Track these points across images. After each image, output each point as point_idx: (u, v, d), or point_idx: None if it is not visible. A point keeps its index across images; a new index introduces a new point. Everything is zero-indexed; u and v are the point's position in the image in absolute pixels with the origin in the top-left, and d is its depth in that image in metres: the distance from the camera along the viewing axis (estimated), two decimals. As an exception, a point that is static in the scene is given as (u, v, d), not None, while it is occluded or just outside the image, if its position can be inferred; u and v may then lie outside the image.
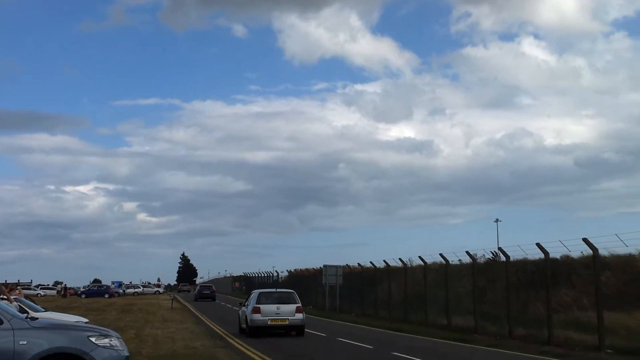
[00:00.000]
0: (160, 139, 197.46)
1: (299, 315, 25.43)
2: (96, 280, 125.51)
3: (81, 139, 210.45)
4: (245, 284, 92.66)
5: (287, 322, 25.24)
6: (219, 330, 28.36)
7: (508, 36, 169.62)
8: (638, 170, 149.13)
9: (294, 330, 25.54)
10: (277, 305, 25.43)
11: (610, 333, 19.82)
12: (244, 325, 26.19)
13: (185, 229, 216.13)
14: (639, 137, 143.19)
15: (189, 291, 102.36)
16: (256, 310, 25.00)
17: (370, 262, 41.46)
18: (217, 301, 65.57)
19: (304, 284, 58.99)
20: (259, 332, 24.79)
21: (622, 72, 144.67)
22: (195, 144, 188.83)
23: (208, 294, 70.55)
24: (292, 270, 66.99)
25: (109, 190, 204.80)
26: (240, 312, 27.68)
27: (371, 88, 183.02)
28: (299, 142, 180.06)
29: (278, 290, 29.90)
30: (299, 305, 26.06)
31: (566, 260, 29.29)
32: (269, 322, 24.96)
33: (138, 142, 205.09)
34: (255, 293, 26.83)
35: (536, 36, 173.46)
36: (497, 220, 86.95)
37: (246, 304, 26.89)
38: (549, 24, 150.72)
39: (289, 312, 25.28)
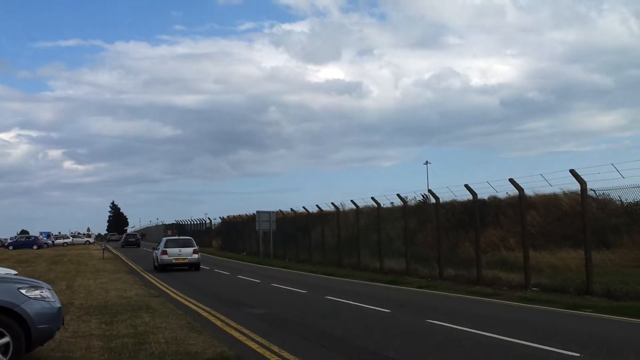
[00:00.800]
0: (83, 83, 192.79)
1: (195, 256, 33.43)
2: (23, 231, 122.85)
3: (1, 83, 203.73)
4: (178, 231, 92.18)
5: (186, 260, 33.09)
6: (137, 267, 36.25)
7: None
8: (562, 109, 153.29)
9: (192, 266, 33.21)
10: (179, 248, 33.48)
11: (535, 271, 20.53)
12: (156, 264, 33.86)
13: (114, 176, 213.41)
14: (563, 76, 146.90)
15: (117, 240, 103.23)
16: (164, 253, 33.09)
17: (303, 207, 41.77)
18: (142, 247, 73.30)
19: (238, 230, 59.07)
20: (166, 268, 32.63)
21: (545, 10, 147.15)
22: (120, 87, 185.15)
23: (133, 241, 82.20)
24: (225, 217, 66.90)
25: (32, 137, 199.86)
26: (153, 254, 35.49)
27: (299, 27, 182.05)
28: (227, 85, 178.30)
29: (180, 237, 39.76)
30: (196, 248, 34.01)
31: (493, 201, 30.13)
32: (173, 261, 32.85)
33: (60, 86, 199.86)
34: (163, 240, 34.95)
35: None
36: (426, 163, 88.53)
37: (157, 247, 34.76)
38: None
39: (187, 253, 33.25)
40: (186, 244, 34.08)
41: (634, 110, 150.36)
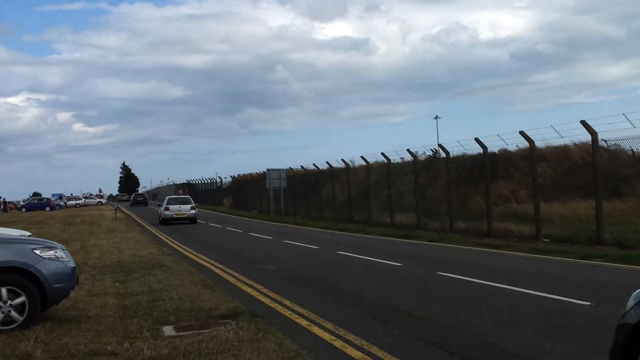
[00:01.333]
0: (89, 45, 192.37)
1: (192, 211, 39.47)
2: (36, 194, 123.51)
3: (7, 47, 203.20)
4: (189, 190, 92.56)
5: (185, 215, 38.96)
6: (145, 224, 40.68)
7: None
8: (572, 61, 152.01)
9: (190, 220, 38.96)
10: (179, 205, 39.67)
11: (546, 223, 20.54)
12: (160, 218, 39.68)
13: (124, 138, 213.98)
14: (573, 28, 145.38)
15: (128, 200, 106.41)
16: (167, 209, 39.16)
17: (314, 165, 41.80)
18: (149, 206, 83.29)
19: (248, 189, 59.23)
20: (168, 222, 38.41)
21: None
22: (127, 49, 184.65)
23: (141, 200, 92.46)
24: (236, 176, 67.04)
25: (41, 100, 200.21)
26: (158, 210, 42.94)
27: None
28: (234, 45, 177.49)
29: (180, 196, 46.86)
30: (193, 205, 40.18)
31: (504, 154, 29.96)
32: (174, 215, 38.83)
33: (67, 50, 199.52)
34: (166, 199, 41.64)
35: None
36: (436, 117, 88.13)
37: (161, 205, 41.55)
38: None
39: (186, 209, 39.28)
40: (185, 202, 40.47)
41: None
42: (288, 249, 21.48)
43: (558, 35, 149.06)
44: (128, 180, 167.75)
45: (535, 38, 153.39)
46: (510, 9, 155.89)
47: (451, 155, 26.41)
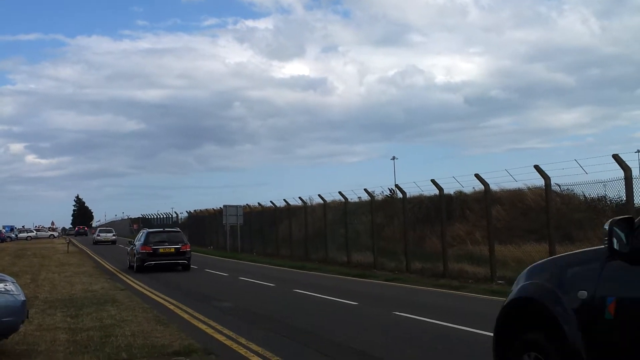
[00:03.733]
0: (45, 77, 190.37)
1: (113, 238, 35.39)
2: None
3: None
4: (144, 225, 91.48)
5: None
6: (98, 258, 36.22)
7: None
8: (525, 107, 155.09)
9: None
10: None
11: (501, 265, 20.75)
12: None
13: (78, 170, 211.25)
14: (525, 75, 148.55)
15: (74, 234, 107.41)
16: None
17: (271, 202, 41.72)
18: (88, 236, 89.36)
19: (204, 224, 58.81)
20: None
21: (507, 10, 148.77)
22: (83, 81, 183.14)
23: (82, 232, 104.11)
24: (192, 211, 66.54)
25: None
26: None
27: (263, 24, 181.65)
28: (191, 80, 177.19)
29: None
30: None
31: (460, 196, 30.39)
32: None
33: (22, 80, 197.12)
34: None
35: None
36: (393, 158, 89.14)
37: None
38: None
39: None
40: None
41: (596, 108, 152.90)
42: (244, 286, 21.30)
43: (511, 82, 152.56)
44: (82, 213, 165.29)
45: (489, 84, 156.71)
46: (465, 55, 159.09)
47: (408, 195, 26.63)
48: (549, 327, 5.10)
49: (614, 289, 4.73)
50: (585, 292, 4.88)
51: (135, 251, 28.62)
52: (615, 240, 4.76)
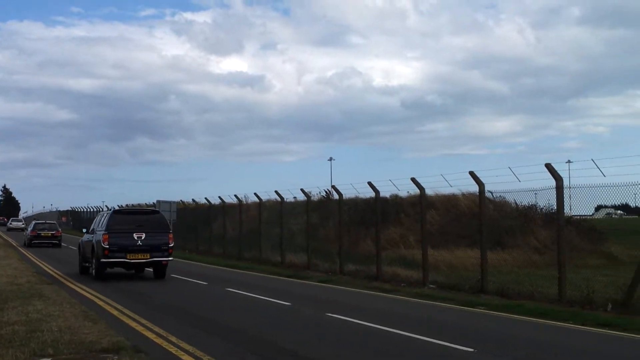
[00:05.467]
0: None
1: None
2: None
3: None
4: (73, 218, 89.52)
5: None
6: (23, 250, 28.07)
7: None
8: (459, 113, 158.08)
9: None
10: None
11: (433, 269, 21.00)
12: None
13: (5, 159, 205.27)
14: (461, 81, 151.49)
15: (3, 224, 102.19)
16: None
17: (205, 199, 41.34)
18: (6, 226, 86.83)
19: (137, 219, 57.73)
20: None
21: (445, 16, 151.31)
22: (13, 67, 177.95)
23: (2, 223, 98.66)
24: (124, 206, 65.34)
25: None
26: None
27: (201, 17, 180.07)
28: (126, 71, 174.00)
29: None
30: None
31: (395, 200, 30.65)
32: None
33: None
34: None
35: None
36: (330, 159, 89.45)
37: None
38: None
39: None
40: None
41: (528, 117, 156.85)
42: (175, 284, 20.98)
43: (447, 88, 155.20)
44: (8, 203, 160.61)
45: (426, 88, 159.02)
46: (403, 59, 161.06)
47: (344, 197, 26.71)
48: None
49: None
50: None
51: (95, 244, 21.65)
52: None
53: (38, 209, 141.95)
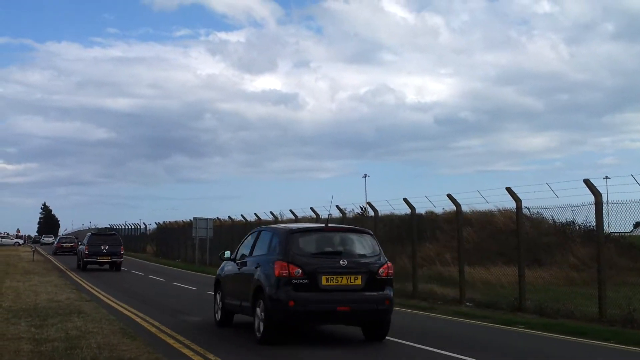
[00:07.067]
0: (12, 81, 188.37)
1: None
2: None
3: None
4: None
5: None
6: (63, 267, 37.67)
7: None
8: (494, 129, 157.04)
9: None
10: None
11: (470, 287, 20.81)
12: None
13: (45, 177, 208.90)
14: (494, 97, 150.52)
15: (38, 242, 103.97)
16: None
17: (242, 216, 41.51)
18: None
19: (173, 236, 58.29)
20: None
21: (477, 33, 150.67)
22: (52, 87, 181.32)
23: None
24: (161, 223, 65.91)
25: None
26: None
27: (235, 37, 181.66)
28: (162, 90, 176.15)
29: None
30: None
31: (430, 216, 30.49)
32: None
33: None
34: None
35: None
36: (365, 176, 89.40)
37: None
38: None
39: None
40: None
41: (564, 133, 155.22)
42: (211, 300, 21.04)
43: (480, 104, 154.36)
44: (48, 221, 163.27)
45: (459, 105, 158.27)
46: (436, 76, 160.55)
47: (379, 213, 26.62)
48: None
49: None
50: None
51: None
52: None
53: (77, 226, 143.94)
